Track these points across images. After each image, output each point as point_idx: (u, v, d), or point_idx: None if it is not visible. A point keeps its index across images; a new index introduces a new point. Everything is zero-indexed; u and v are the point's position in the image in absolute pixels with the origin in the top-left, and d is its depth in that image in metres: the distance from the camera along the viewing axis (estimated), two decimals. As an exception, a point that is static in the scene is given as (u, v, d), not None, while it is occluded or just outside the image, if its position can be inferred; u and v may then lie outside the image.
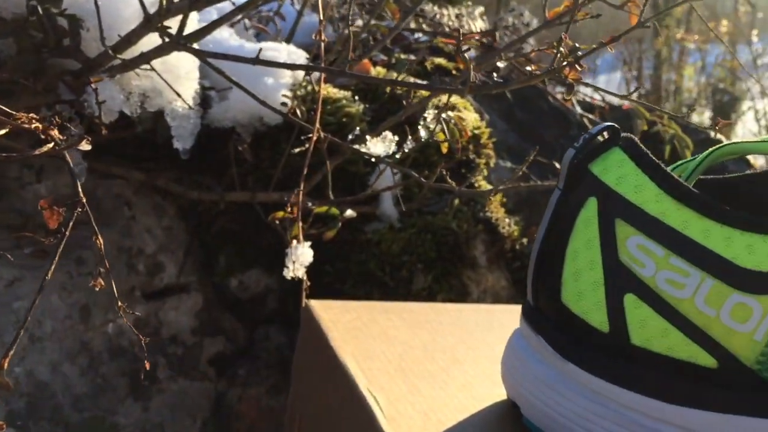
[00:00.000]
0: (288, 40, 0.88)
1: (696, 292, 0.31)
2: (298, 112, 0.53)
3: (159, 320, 0.64)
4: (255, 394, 0.65)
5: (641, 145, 0.33)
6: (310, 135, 0.52)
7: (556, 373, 0.34)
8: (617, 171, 0.33)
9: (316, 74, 0.73)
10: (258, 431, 0.62)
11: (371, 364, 0.41)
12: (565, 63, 0.41)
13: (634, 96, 0.46)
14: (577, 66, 0.41)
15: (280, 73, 0.69)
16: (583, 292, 0.33)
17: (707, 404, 0.32)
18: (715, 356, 0.31)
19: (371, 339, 0.44)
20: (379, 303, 0.49)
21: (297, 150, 0.53)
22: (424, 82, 0.60)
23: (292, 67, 0.50)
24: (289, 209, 0.49)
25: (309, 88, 0.71)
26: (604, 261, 0.32)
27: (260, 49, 0.52)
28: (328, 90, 0.70)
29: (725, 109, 4.36)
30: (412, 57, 0.92)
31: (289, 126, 0.63)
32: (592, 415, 0.33)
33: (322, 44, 0.53)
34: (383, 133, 0.55)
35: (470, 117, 0.81)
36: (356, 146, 0.54)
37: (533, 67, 0.46)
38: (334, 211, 0.54)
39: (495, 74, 0.72)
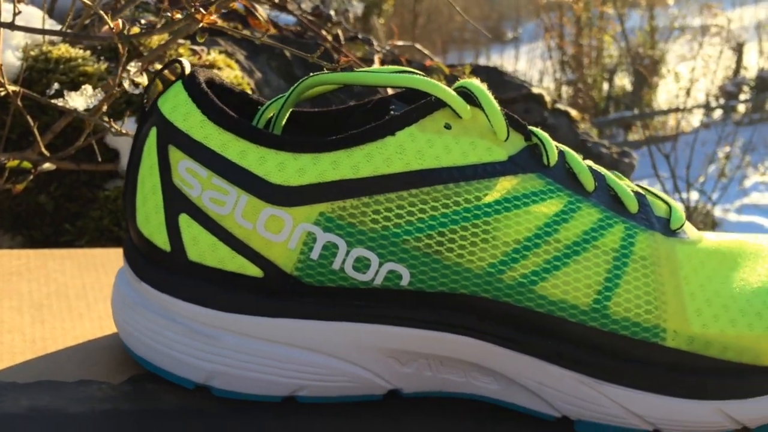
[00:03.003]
0: (52, 8, 0.87)
1: (234, 208, 0.34)
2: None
3: None
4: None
5: (200, 79, 0.36)
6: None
7: (135, 293, 0.36)
8: (173, 101, 0.35)
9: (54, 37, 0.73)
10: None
11: (8, 303, 0.42)
12: (194, 9, 0.43)
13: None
14: (202, 10, 0.43)
15: (9, 35, 0.68)
16: (149, 215, 0.35)
17: (258, 311, 0.35)
18: (259, 266, 0.34)
19: (26, 282, 0.45)
20: (61, 250, 0.51)
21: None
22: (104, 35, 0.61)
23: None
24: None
25: (45, 48, 0.71)
26: (162, 185, 0.35)
27: (-65, 5, 0.51)
28: (63, 49, 0.70)
29: (645, 72, 4.49)
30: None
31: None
32: (163, 330, 0.35)
33: (2, 2, 0.53)
34: (82, 87, 0.56)
35: (231, 75, 0.82)
36: (54, 101, 0.55)
37: (174, 13, 0.48)
38: (26, 164, 0.55)
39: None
